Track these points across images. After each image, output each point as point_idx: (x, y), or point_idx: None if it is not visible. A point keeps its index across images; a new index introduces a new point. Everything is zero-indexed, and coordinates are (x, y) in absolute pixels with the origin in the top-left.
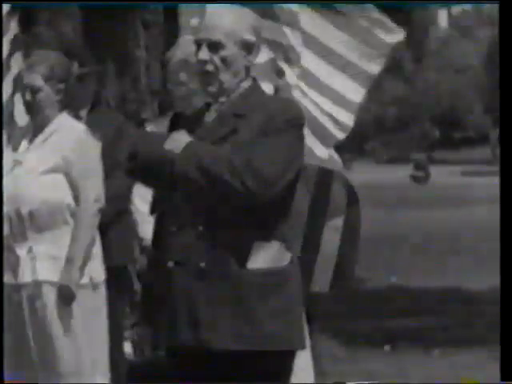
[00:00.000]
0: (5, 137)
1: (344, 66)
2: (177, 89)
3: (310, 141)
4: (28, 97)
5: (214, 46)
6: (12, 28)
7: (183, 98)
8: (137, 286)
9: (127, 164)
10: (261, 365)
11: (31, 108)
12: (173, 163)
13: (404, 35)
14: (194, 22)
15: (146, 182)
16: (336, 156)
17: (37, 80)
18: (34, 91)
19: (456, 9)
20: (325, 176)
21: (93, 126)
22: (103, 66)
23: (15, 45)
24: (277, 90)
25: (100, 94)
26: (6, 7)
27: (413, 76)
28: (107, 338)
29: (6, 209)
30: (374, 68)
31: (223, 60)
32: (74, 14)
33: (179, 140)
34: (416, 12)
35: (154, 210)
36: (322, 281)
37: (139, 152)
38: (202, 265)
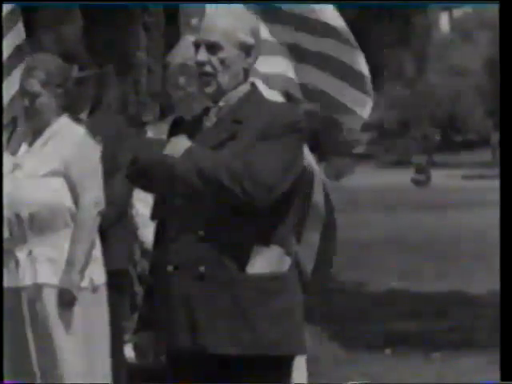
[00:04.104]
0: (4, 140)
1: None
2: (175, 93)
3: None
4: (27, 102)
5: (213, 48)
6: (19, 31)
7: (182, 102)
8: (137, 290)
9: (128, 169)
10: (260, 370)
11: (30, 113)
12: (172, 168)
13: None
14: (195, 21)
15: (146, 187)
16: None
17: (35, 86)
18: (33, 97)
19: (457, 12)
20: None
21: (93, 128)
22: (103, 69)
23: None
24: None
25: (100, 96)
26: (7, 7)
27: (413, 79)
28: (109, 341)
29: (5, 212)
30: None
31: (221, 61)
32: (75, 17)
33: (179, 145)
34: (417, 15)
35: (155, 215)
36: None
37: (139, 157)
38: (202, 269)
